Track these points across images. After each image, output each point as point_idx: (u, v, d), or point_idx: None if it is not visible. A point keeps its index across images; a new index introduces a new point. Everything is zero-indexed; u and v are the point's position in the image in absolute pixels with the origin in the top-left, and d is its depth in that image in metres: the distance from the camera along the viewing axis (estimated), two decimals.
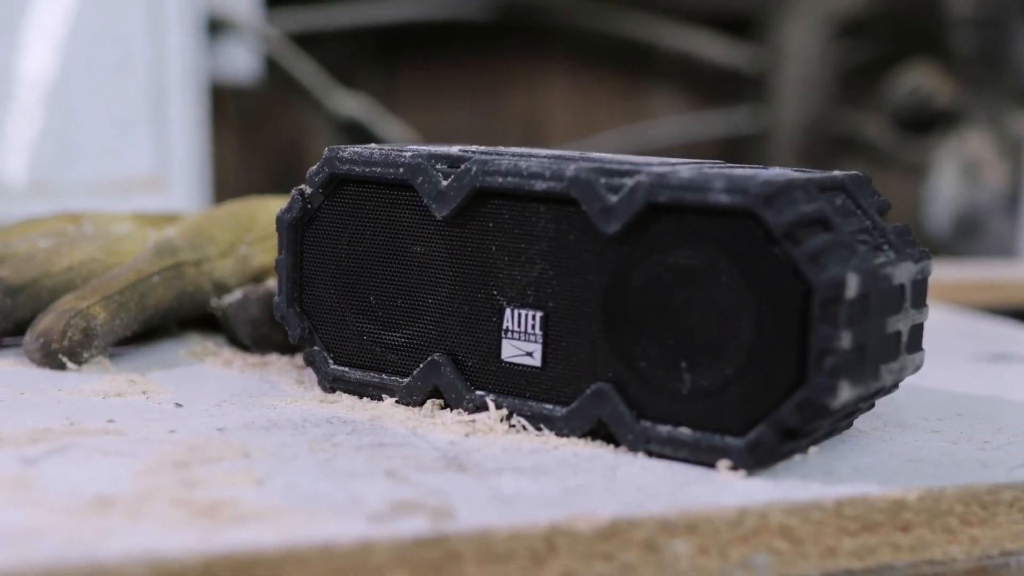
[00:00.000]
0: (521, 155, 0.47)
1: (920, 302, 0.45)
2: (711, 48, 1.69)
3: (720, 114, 1.73)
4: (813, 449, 0.44)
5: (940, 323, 0.74)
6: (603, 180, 0.43)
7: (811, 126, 1.67)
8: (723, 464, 0.41)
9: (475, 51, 1.65)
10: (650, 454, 0.43)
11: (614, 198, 0.43)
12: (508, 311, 0.46)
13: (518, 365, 0.46)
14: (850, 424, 0.47)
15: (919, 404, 0.52)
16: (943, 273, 0.91)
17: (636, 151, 1.66)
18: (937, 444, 0.46)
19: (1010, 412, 0.52)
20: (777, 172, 0.44)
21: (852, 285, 0.39)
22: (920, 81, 1.44)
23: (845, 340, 0.39)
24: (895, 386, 0.46)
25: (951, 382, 0.57)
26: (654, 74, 1.73)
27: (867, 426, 0.48)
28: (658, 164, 0.44)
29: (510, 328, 0.46)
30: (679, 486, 0.40)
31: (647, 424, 0.43)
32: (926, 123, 1.45)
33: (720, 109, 1.73)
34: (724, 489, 0.40)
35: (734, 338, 0.41)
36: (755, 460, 0.41)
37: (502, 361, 0.46)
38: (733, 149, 1.75)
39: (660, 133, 1.71)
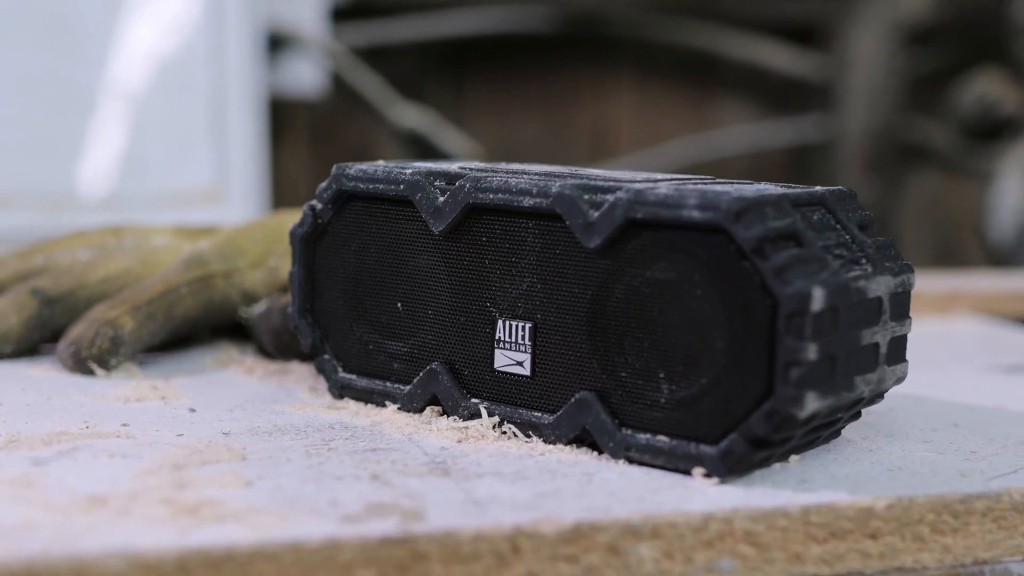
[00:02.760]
0: (514, 172, 0.48)
1: (901, 314, 0.46)
2: (777, 57, 1.69)
3: (787, 123, 1.73)
4: (794, 458, 0.45)
5: (965, 333, 0.74)
6: (586, 196, 0.45)
7: (878, 134, 1.66)
8: (697, 471, 0.43)
9: (542, 63, 1.67)
10: (630, 461, 0.44)
11: (595, 214, 0.44)
12: (500, 322, 0.47)
13: (509, 374, 0.47)
14: (837, 433, 0.48)
15: (916, 414, 0.53)
16: (990, 283, 0.91)
17: (703, 161, 1.67)
18: (922, 454, 0.47)
19: (1008, 423, 0.52)
20: (757, 188, 0.45)
21: (818, 298, 0.40)
22: (986, 89, 1.43)
23: (811, 352, 0.40)
24: (879, 396, 0.47)
25: (957, 393, 0.57)
26: (720, 84, 1.73)
27: (856, 435, 0.49)
28: (641, 180, 0.46)
29: (502, 338, 0.47)
30: (651, 492, 0.41)
31: (627, 432, 0.44)
32: (992, 131, 1.44)
33: (787, 118, 1.73)
34: (693, 495, 0.41)
35: (708, 350, 0.42)
36: (728, 468, 0.42)
37: (495, 370, 0.48)
38: (800, 158, 1.74)
39: (727, 143, 1.71)
